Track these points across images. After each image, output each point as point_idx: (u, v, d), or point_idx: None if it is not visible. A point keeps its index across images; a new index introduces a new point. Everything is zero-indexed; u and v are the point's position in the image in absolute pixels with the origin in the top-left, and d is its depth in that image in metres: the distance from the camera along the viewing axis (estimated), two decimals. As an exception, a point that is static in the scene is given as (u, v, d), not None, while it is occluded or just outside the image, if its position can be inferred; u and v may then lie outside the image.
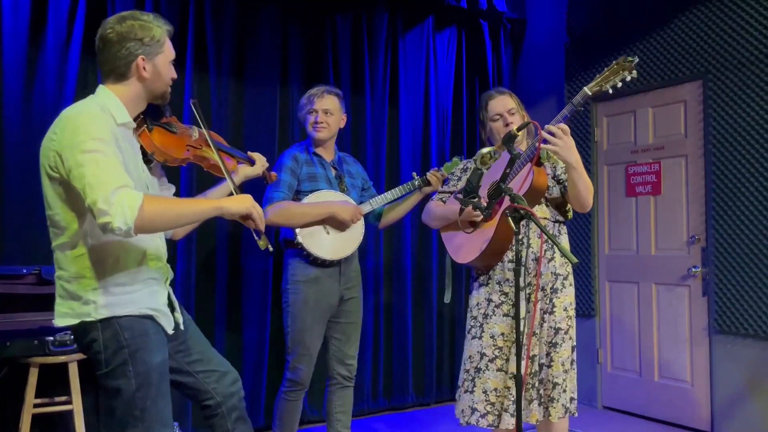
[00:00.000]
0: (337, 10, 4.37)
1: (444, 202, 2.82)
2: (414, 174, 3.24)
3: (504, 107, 2.70)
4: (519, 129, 2.18)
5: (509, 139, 2.16)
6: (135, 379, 1.86)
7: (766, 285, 3.59)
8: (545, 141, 2.37)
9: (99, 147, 1.74)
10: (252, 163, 2.40)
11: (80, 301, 1.84)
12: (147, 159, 2.02)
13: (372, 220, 3.30)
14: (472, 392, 2.55)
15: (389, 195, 3.19)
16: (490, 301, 2.59)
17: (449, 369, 4.74)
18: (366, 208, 3.14)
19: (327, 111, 3.11)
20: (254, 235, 2.03)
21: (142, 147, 2.00)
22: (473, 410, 2.53)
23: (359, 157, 4.31)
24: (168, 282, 2.06)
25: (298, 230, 3.01)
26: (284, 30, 4.18)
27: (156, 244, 2.01)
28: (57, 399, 3.23)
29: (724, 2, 3.79)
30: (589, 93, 2.37)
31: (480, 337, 2.58)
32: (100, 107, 1.85)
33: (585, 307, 4.58)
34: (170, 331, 2.00)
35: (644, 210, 4.29)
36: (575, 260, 1.89)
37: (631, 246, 4.37)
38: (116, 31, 1.89)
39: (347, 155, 3.42)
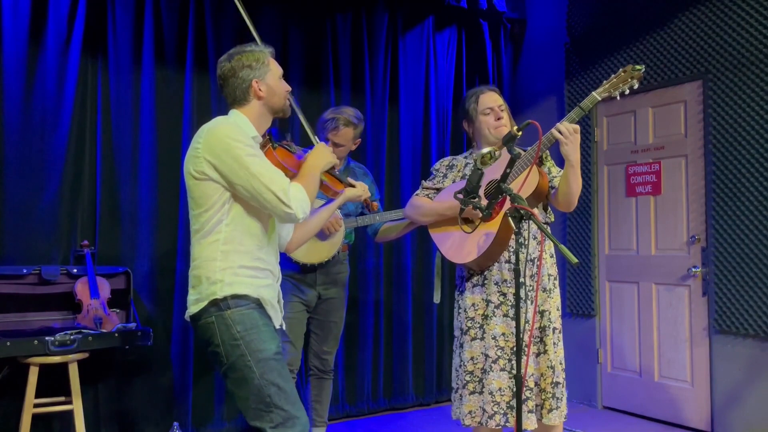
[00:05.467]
0: (337, 10, 4.37)
1: (431, 198, 2.74)
2: None
3: (495, 102, 2.67)
4: (519, 129, 2.16)
5: (510, 139, 2.16)
6: (256, 367, 2.06)
7: (766, 285, 3.59)
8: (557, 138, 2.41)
9: (253, 152, 2.09)
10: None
11: (209, 281, 2.09)
12: None
13: (370, 233, 3.40)
14: (480, 393, 2.55)
15: (378, 216, 3.27)
16: (488, 302, 2.57)
17: (449, 369, 4.74)
18: (351, 222, 3.27)
19: (338, 144, 3.20)
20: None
21: None
22: (484, 411, 2.52)
23: (359, 157, 4.30)
24: (278, 281, 2.29)
25: None
26: (284, 30, 4.18)
27: (273, 247, 2.27)
28: (57, 399, 3.23)
29: (724, 2, 3.79)
30: (599, 98, 2.42)
31: (482, 339, 2.57)
32: (235, 123, 2.16)
33: (585, 307, 4.58)
34: (277, 325, 2.24)
35: (644, 210, 4.29)
36: (575, 260, 1.89)
37: (631, 246, 4.37)
38: (228, 66, 2.19)
39: (360, 166, 3.47)
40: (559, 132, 2.41)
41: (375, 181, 3.50)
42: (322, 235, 3.15)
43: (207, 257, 2.11)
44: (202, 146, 2.10)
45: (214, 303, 2.09)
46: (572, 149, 2.40)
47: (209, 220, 2.11)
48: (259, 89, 2.20)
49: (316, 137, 2.64)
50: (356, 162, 3.52)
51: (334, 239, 3.22)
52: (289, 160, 2.28)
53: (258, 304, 2.14)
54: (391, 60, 4.59)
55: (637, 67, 2.40)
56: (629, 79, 2.41)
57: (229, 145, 2.06)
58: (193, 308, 2.13)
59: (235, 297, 2.09)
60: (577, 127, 2.42)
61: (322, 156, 2.31)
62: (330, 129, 3.20)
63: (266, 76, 2.21)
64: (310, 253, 3.19)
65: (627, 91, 2.43)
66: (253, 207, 2.14)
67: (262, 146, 2.22)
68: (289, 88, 2.31)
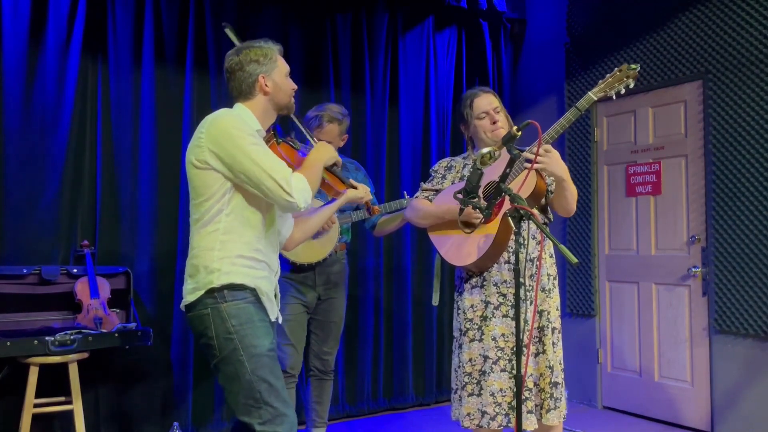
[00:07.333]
0: (337, 10, 4.37)
1: (431, 200, 2.75)
2: (405, 193, 3.30)
3: (490, 105, 2.66)
4: (519, 129, 2.16)
5: (510, 139, 2.15)
6: (248, 363, 2.06)
7: (766, 285, 3.59)
8: (530, 162, 2.40)
9: (256, 141, 2.10)
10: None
11: (206, 270, 2.09)
12: None
13: (367, 226, 3.40)
14: (479, 395, 2.54)
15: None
16: (488, 303, 2.57)
17: (449, 369, 4.73)
18: (345, 219, 3.26)
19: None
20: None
21: None
22: (483, 413, 2.52)
23: (359, 157, 4.31)
24: (277, 276, 2.29)
25: None
26: (284, 30, 4.18)
27: (272, 240, 2.26)
28: (57, 399, 3.23)
29: (724, 2, 3.79)
30: (595, 98, 2.44)
31: (481, 340, 2.56)
32: (238, 115, 2.17)
33: (585, 307, 4.58)
34: (273, 319, 2.23)
35: (644, 210, 4.29)
36: (575, 260, 1.89)
37: (631, 246, 4.37)
38: (236, 60, 2.21)
39: (352, 162, 3.46)
40: (540, 153, 2.39)
41: (368, 175, 3.49)
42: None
43: (205, 246, 2.12)
44: (205, 136, 2.11)
45: (211, 293, 2.08)
46: (553, 167, 2.43)
47: (209, 209, 2.12)
48: (265, 84, 2.21)
49: (315, 138, 2.65)
50: (347, 158, 3.51)
51: (328, 236, 3.21)
52: (293, 156, 2.29)
53: (255, 295, 2.14)
54: (391, 60, 4.59)
55: (632, 66, 2.43)
56: (625, 79, 2.44)
57: (232, 134, 2.07)
58: (189, 297, 2.13)
59: (231, 288, 2.09)
60: (548, 146, 2.43)
61: (324, 151, 2.31)
62: (314, 127, 3.21)
63: (273, 72, 2.22)
64: (304, 252, 3.18)
65: (623, 91, 2.45)
66: (254, 198, 2.14)
67: (266, 141, 2.22)
68: (295, 87, 2.31)
